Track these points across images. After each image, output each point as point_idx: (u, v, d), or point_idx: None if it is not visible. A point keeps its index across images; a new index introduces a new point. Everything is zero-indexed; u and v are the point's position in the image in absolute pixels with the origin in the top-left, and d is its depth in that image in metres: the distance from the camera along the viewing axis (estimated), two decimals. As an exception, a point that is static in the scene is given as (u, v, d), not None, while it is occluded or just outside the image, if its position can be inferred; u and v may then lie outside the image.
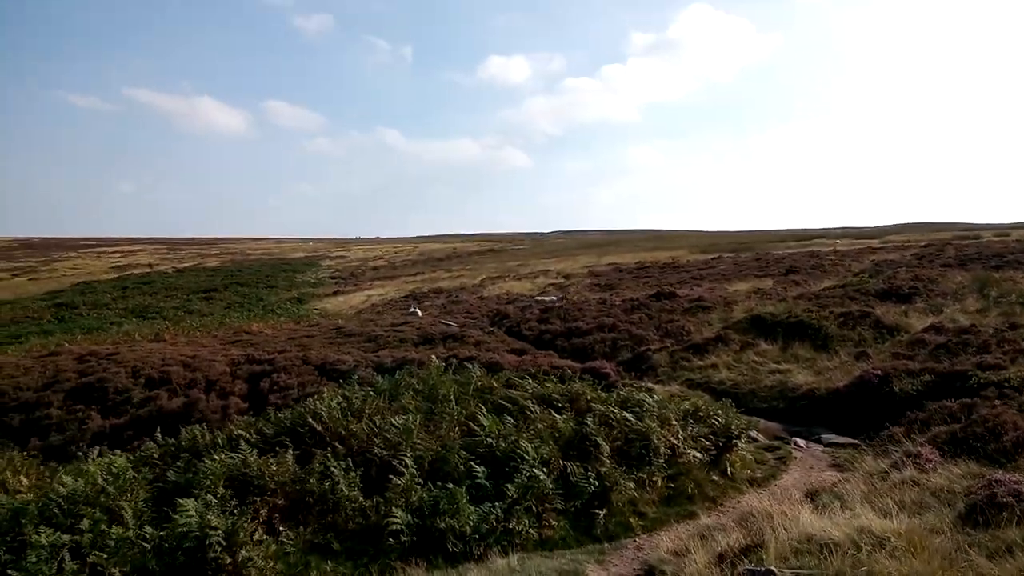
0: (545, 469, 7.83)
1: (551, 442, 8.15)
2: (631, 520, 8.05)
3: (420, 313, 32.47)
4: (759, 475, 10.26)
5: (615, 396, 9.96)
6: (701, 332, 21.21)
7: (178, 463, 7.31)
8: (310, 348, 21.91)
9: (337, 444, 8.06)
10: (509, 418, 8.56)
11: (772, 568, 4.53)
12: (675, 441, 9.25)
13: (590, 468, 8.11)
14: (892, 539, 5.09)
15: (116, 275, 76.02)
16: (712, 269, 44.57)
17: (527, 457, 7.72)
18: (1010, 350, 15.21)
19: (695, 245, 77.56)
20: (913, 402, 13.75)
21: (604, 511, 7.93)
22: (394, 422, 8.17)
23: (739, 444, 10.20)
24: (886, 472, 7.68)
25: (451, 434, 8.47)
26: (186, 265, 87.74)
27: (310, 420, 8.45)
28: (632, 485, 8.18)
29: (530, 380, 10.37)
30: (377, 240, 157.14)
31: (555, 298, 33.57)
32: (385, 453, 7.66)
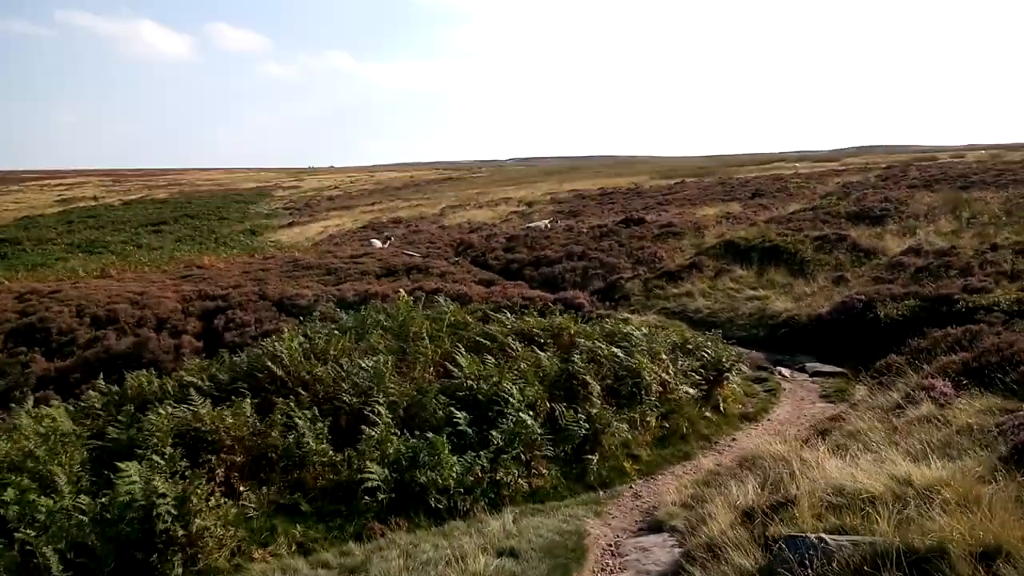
0: (532, 412, 7.15)
1: (536, 382, 7.45)
2: (625, 464, 7.45)
3: (381, 244, 31.32)
4: (751, 409, 9.76)
5: (600, 329, 9.27)
6: (674, 259, 20.63)
7: (120, 418, 6.45)
8: (266, 282, 20.85)
9: (301, 391, 7.27)
10: (489, 357, 7.81)
11: (821, 535, 3.88)
12: (666, 377, 8.64)
13: (579, 409, 7.46)
14: (941, 490, 4.49)
15: (61, 209, 72.88)
16: (677, 194, 43.98)
17: (512, 400, 7.02)
18: (992, 272, 14.86)
19: (656, 171, 76.86)
20: (899, 328, 13.33)
21: (596, 456, 7.32)
22: (363, 364, 7.38)
23: (730, 378, 9.64)
24: (898, 407, 7.12)
25: (427, 376, 7.73)
26: (133, 198, 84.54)
27: (269, 364, 7.61)
28: (625, 426, 7.56)
29: (508, 314, 9.61)
30: (332, 169, 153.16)
31: (546, 223, 32.12)
32: (355, 400, 6.89)
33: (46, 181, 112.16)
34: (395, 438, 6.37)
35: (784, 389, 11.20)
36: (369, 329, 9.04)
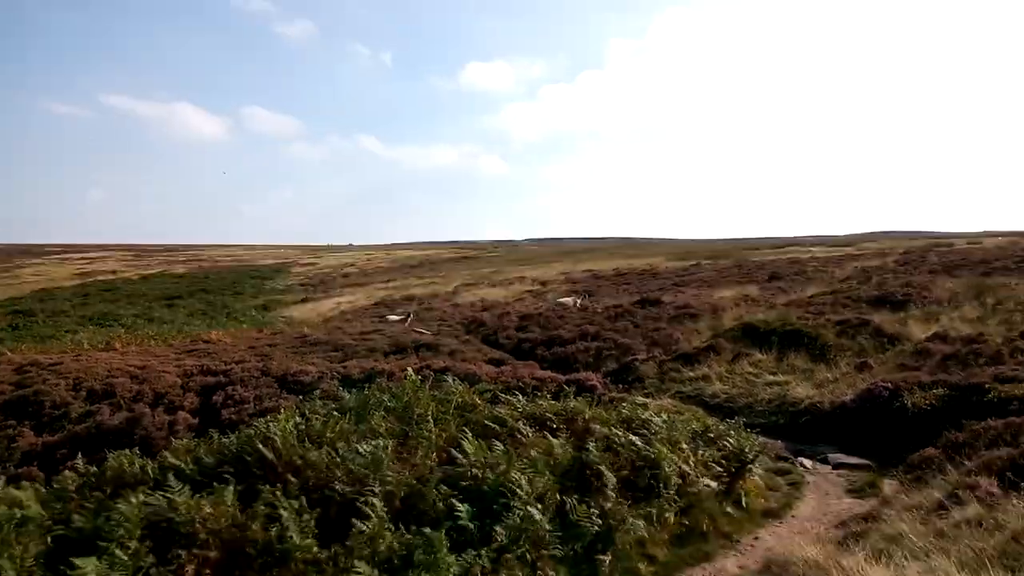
0: (540, 506, 6.56)
1: (547, 472, 6.87)
2: (640, 566, 6.79)
3: (397, 318, 30.80)
4: (774, 505, 9.07)
5: (616, 414, 8.71)
6: (690, 341, 20.08)
7: (86, 504, 5.91)
8: (271, 358, 20.43)
9: (291, 477, 6.71)
10: (497, 443, 7.26)
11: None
12: (686, 468, 8.02)
13: (592, 503, 6.85)
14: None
15: (79, 282, 73.33)
16: (692, 276, 43.65)
17: (519, 492, 6.44)
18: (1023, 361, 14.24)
19: (671, 253, 76.95)
20: (928, 418, 12.68)
21: (609, 556, 6.67)
22: (360, 449, 6.84)
23: (753, 470, 9.00)
24: (941, 507, 6.48)
25: (428, 463, 7.16)
26: (151, 272, 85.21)
27: (259, 446, 7.08)
28: (641, 523, 6.93)
29: (519, 396, 9.07)
30: (350, 247, 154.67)
31: (574, 300, 31.44)
32: (348, 489, 6.33)
33: (68, 255, 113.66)
34: (389, 533, 5.78)
35: (808, 482, 10.50)
36: (371, 410, 8.53)
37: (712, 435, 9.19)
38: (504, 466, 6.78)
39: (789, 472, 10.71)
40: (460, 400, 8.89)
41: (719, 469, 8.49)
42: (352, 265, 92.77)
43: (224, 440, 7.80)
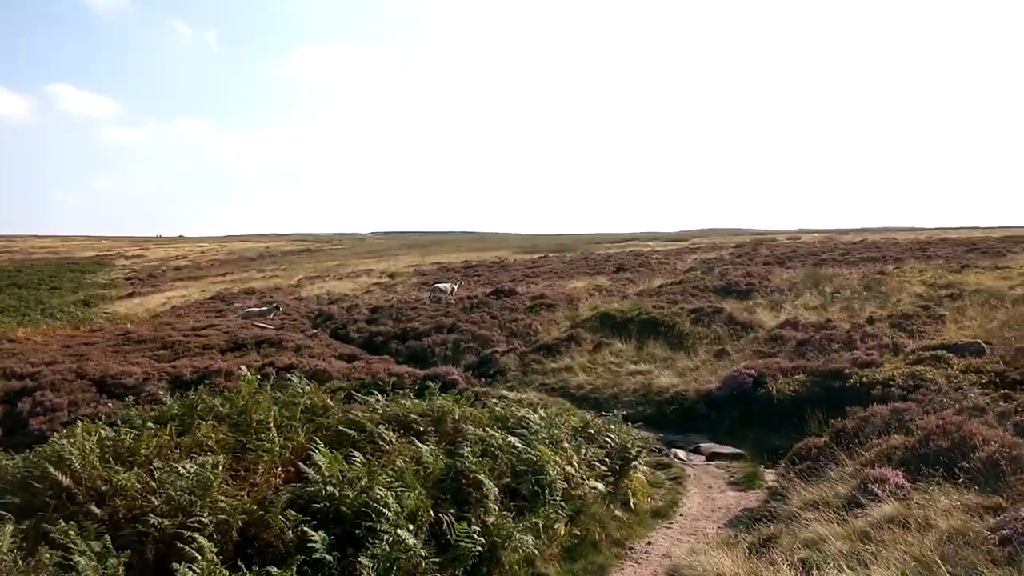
0: (412, 526, 5.46)
1: (417, 485, 5.77)
2: (530, 588, 5.86)
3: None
4: (660, 503, 8.44)
5: (489, 413, 7.72)
6: (549, 331, 19.49)
7: None
8: (88, 358, 18.01)
9: (93, 508, 5.26)
10: (355, 453, 6.07)
11: None
12: (570, 470, 7.17)
13: (472, 518, 5.83)
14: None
15: None
16: (542, 268, 43.64)
17: (386, 512, 5.31)
18: (875, 345, 14.54)
19: (518, 246, 77.28)
20: (793, 405, 12.59)
21: (495, 579, 5.69)
22: (184, 469, 5.47)
23: (638, 467, 8.30)
24: (854, 503, 5.94)
25: (273, 481, 5.87)
26: (-50, 265, 76.01)
27: (50, 470, 5.55)
28: (529, 538, 5.98)
29: (378, 396, 7.87)
30: (180, 239, 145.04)
31: (451, 286, 29.43)
32: (168, 522, 4.97)
33: None
34: (222, 577, 4.51)
35: (689, 475, 9.99)
36: (199, 418, 7.08)
37: (592, 431, 8.41)
38: (366, 480, 5.63)
39: (669, 466, 10.19)
40: (309, 402, 7.59)
41: (603, 468, 7.71)
42: (184, 258, 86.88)
43: (7, 462, 6.17)
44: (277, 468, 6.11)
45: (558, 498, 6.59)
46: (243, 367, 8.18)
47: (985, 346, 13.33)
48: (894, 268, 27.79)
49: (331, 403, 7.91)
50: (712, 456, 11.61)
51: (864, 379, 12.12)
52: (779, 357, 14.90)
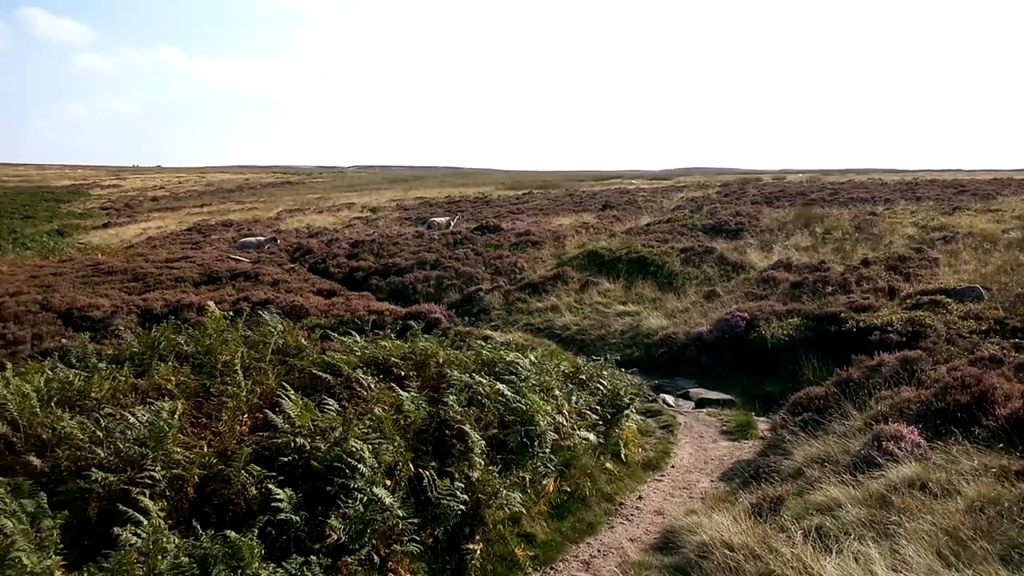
0: (389, 482, 4.98)
1: (396, 437, 5.25)
2: (516, 550, 5.40)
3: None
4: (651, 453, 8.04)
5: (475, 356, 7.19)
6: (535, 269, 18.96)
7: None
8: (55, 289, 17.29)
9: (33, 459, 4.72)
10: (329, 400, 5.54)
11: None
12: (560, 420, 6.70)
13: (456, 473, 5.34)
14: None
15: None
16: (527, 204, 42.88)
17: (361, 467, 4.80)
18: (871, 289, 14.12)
19: (501, 182, 76.33)
20: (787, 349, 12.22)
21: (479, 542, 5.23)
22: (136, 416, 4.92)
23: (631, 416, 7.85)
24: (867, 462, 5.51)
25: (238, 430, 5.34)
26: (-84, 190, 73.91)
27: (-14, 416, 4.98)
28: (516, 495, 5.51)
29: (357, 337, 7.31)
30: (158, 169, 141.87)
31: (448, 220, 28.28)
32: (114, 478, 4.44)
33: None
34: (172, 540, 4.00)
35: (680, 424, 9.58)
36: (159, 357, 6.50)
37: (584, 377, 7.94)
38: (340, 432, 5.10)
39: (659, 413, 9.78)
40: (281, 342, 7.03)
41: (595, 417, 7.25)
42: (161, 188, 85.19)
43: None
44: (243, 416, 5.57)
45: (547, 451, 6.11)
46: (210, 303, 7.56)
47: (984, 291, 12.98)
48: (884, 209, 27.38)
49: (306, 343, 7.34)
50: (702, 402, 11.24)
51: (861, 324, 11.72)
52: (772, 299, 14.49)
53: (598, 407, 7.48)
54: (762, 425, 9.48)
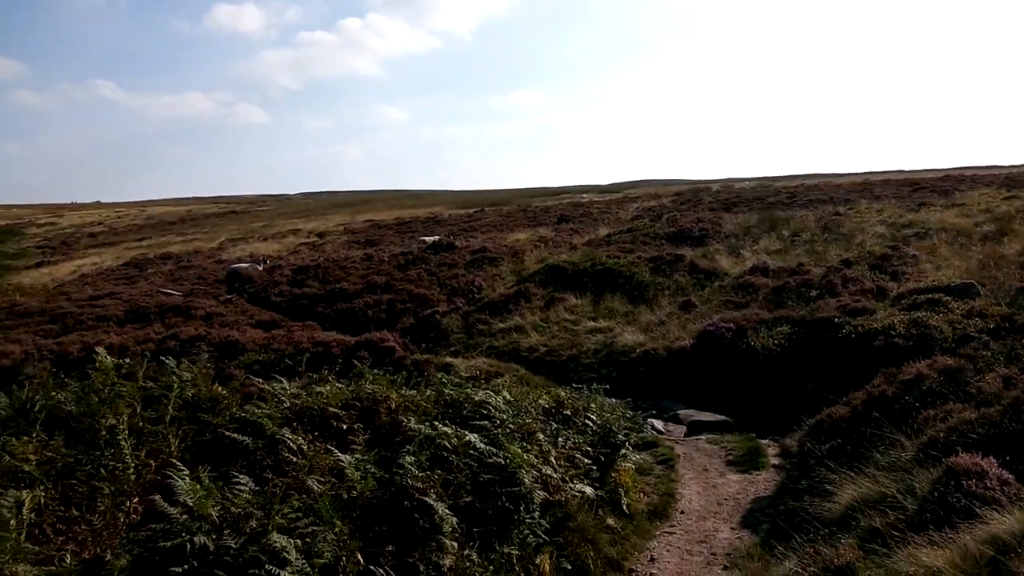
0: (329, 588, 3.57)
1: (336, 520, 3.87)
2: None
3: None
4: (654, 496, 6.76)
5: (436, 396, 5.81)
6: (494, 288, 17.63)
7: None
8: (-40, 337, 15.47)
9: None
10: (242, 477, 4.13)
11: None
12: (548, 471, 5.35)
13: (421, 564, 3.96)
14: None
15: None
16: (480, 222, 41.62)
17: (286, 573, 3.40)
18: (859, 290, 13.09)
19: (452, 202, 75.00)
20: (780, 361, 11.09)
21: (458, 656, 3.86)
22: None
23: (627, 455, 6.55)
24: (939, 508, 4.27)
25: (118, 523, 3.90)
26: None
27: None
28: (503, 585, 4.14)
29: (285, 383, 5.86)
30: (97, 205, 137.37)
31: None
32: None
33: None
34: None
35: (678, 455, 8.31)
36: (25, 421, 5.00)
37: (568, 412, 6.61)
38: (257, 521, 3.69)
39: (654, 444, 8.49)
40: (191, 393, 5.56)
41: (587, 461, 5.94)
42: (100, 224, 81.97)
43: None
44: (131, 502, 4.13)
45: (536, 515, 4.77)
46: (99, 348, 6.04)
47: (979, 287, 12.09)
48: (848, 209, 26.77)
49: (225, 393, 5.88)
50: (695, 426, 10.00)
51: (860, 329, 10.64)
52: (754, 307, 13.40)
53: (589, 448, 6.16)
54: (771, 451, 8.27)
